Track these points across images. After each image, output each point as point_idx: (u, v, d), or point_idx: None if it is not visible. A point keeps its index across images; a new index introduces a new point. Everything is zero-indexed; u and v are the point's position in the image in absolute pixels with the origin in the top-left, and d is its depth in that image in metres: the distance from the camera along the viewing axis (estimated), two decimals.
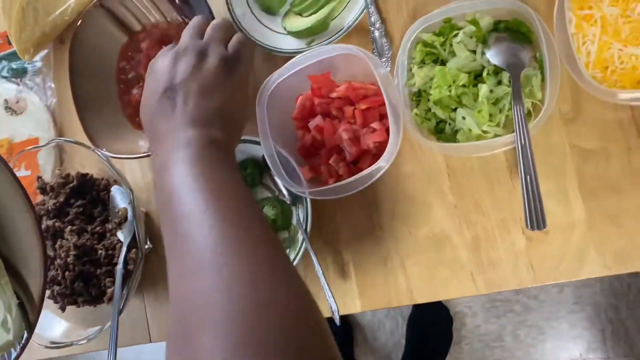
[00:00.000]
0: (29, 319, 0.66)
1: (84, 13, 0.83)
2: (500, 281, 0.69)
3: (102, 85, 0.86)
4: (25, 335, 0.66)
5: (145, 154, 0.79)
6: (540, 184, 0.64)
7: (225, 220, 0.47)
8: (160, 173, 0.54)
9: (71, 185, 0.84)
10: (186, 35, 0.64)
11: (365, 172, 0.66)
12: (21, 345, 0.67)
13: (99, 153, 0.79)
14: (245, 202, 0.52)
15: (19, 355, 0.67)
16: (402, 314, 1.79)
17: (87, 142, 0.82)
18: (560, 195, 0.67)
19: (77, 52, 0.83)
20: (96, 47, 0.85)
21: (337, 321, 0.69)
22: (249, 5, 0.82)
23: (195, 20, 0.66)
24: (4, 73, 1.00)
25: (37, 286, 0.64)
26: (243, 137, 0.79)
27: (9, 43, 1.00)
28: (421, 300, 0.72)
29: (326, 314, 0.74)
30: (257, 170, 0.80)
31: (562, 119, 0.67)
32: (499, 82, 0.65)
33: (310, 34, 0.77)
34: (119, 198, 0.83)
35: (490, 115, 0.64)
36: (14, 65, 1.00)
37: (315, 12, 0.77)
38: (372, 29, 0.73)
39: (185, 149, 0.53)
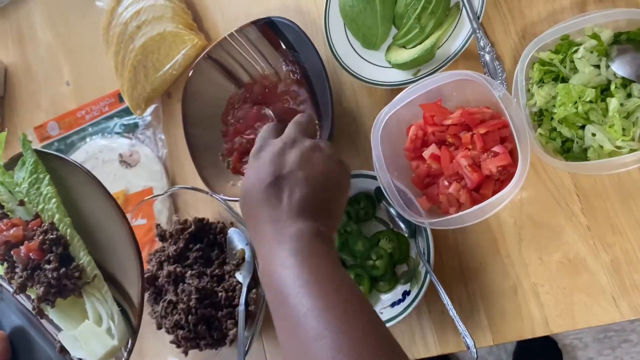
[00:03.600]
0: (132, 325, 0.71)
1: (194, 65, 0.88)
2: None
3: (213, 133, 0.89)
4: (130, 340, 0.69)
5: None
6: None
7: (339, 330, 0.46)
8: (268, 266, 0.54)
9: (189, 230, 0.87)
10: (293, 130, 0.63)
11: (493, 198, 0.64)
12: (127, 350, 0.70)
13: (218, 197, 0.82)
14: (354, 300, 0.51)
15: None
16: (505, 350, 1.70)
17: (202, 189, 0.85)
18: None
19: (189, 102, 0.87)
20: (206, 97, 0.89)
21: (475, 355, 0.66)
22: (350, 44, 0.83)
23: (300, 118, 0.65)
24: (117, 129, 1.06)
25: (137, 292, 0.69)
26: (355, 172, 0.79)
27: (120, 101, 1.06)
28: (558, 329, 0.68)
29: (460, 348, 0.72)
30: (370, 203, 0.80)
31: None
32: (629, 95, 0.62)
33: (416, 65, 0.77)
34: (236, 239, 0.84)
35: (624, 129, 0.61)
36: (124, 121, 1.06)
37: (420, 43, 0.77)
38: (482, 53, 0.73)
39: (293, 243, 0.53)
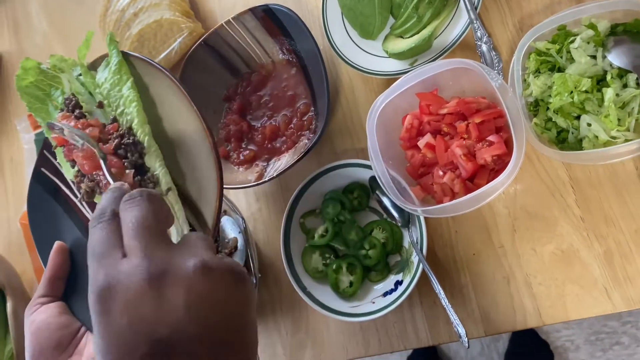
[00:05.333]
0: None
1: (190, 51, 0.87)
2: None
3: (208, 120, 0.88)
4: None
5: (252, 184, 0.80)
6: None
7: None
8: None
9: None
10: (143, 234, 0.38)
11: (487, 186, 0.63)
12: None
13: None
14: None
15: None
16: (497, 351, 1.70)
17: None
18: None
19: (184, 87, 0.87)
20: (202, 83, 0.89)
21: (467, 344, 0.66)
22: (347, 33, 0.83)
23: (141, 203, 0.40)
24: None
25: (212, 213, 0.61)
26: (349, 161, 0.79)
27: None
28: (550, 321, 0.68)
29: (451, 339, 0.71)
30: (364, 193, 0.80)
31: None
32: (625, 86, 0.62)
33: (413, 54, 0.77)
34: (228, 228, 0.84)
35: (619, 119, 0.61)
36: None
37: (417, 33, 0.77)
38: (479, 43, 0.73)
39: None
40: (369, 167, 0.75)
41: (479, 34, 0.73)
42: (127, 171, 0.62)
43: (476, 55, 0.74)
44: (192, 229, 0.62)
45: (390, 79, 0.79)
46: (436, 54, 0.75)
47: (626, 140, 0.61)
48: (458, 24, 0.75)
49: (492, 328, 0.71)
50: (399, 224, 0.76)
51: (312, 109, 0.83)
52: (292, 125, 0.85)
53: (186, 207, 0.64)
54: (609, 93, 0.61)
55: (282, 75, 0.87)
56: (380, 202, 0.78)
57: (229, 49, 0.88)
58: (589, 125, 0.63)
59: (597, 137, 0.62)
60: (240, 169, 0.86)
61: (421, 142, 0.72)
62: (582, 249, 0.67)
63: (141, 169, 0.65)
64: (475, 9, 0.73)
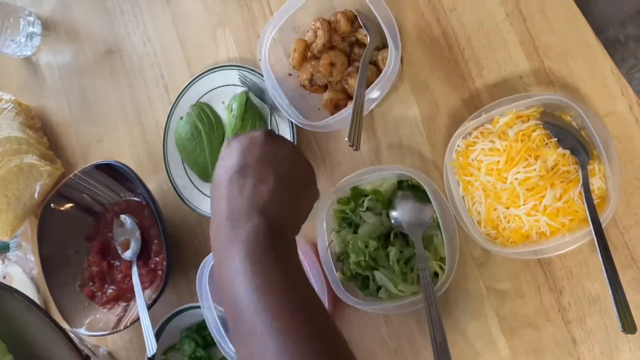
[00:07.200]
0: None
1: (43, 205, 0.92)
2: None
3: (73, 268, 0.94)
4: None
5: (110, 332, 0.86)
6: (466, 327, 0.70)
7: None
8: (220, 273, 0.50)
9: None
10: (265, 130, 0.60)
11: None
12: None
13: (71, 334, 0.86)
14: (317, 320, 0.48)
15: None
16: None
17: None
18: (485, 336, 0.71)
19: (43, 242, 0.92)
20: (62, 228, 0.94)
21: None
22: (188, 177, 0.89)
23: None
24: None
25: None
26: (196, 304, 0.85)
27: None
28: None
29: None
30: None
31: (475, 263, 0.71)
32: (408, 243, 0.70)
33: None
34: None
35: (404, 274, 0.69)
36: None
37: None
38: None
39: (247, 244, 0.49)
40: None
41: None
42: None
43: None
44: None
45: None
46: None
47: (412, 293, 0.69)
48: None
49: None
50: None
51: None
52: (149, 263, 0.91)
53: None
54: (392, 252, 0.69)
55: (137, 215, 0.93)
56: None
57: (81, 195, 0.93)
58: (382, 278, 0.70)
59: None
60: (105, 309, 0.91)
61: None
62: None
63: None
64: None
